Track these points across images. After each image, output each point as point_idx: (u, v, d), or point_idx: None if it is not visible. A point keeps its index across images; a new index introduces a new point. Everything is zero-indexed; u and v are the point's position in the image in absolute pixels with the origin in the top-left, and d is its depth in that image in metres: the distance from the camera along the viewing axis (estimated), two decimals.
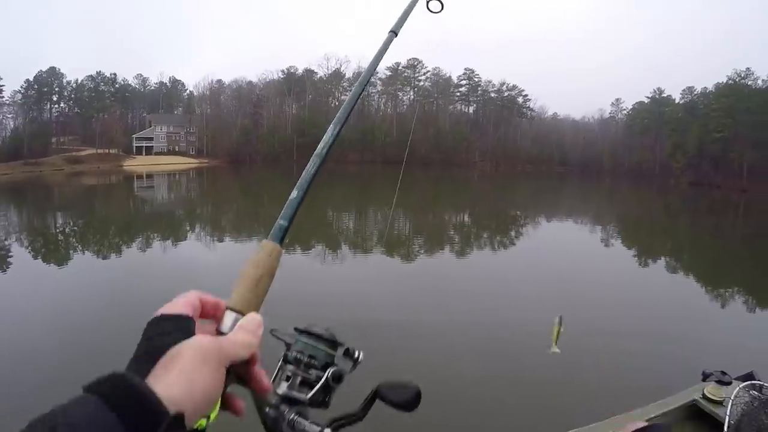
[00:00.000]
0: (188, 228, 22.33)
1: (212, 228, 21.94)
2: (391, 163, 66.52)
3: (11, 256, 15.51)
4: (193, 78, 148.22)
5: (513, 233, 20.87)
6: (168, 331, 0.46)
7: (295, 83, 73.59)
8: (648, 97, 75.93)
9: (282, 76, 74.99)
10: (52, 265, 14.75)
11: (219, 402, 0.42)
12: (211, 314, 0.49)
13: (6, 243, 17.63)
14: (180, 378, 0.40)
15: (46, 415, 0.31)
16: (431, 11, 1.13)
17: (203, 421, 0.41)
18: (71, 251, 17.07)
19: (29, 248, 17.12)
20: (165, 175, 60.93)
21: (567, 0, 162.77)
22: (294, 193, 0.64)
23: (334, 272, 13.45)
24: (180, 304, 0.46)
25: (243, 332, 0.48)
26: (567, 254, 16.30)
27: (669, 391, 3.41)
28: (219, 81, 76.72)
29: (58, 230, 21.68)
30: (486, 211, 30.07)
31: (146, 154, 70.07)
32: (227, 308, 0.52)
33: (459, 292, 10.75)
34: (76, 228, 22.12)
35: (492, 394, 6.10)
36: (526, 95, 73.86)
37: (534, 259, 15.10)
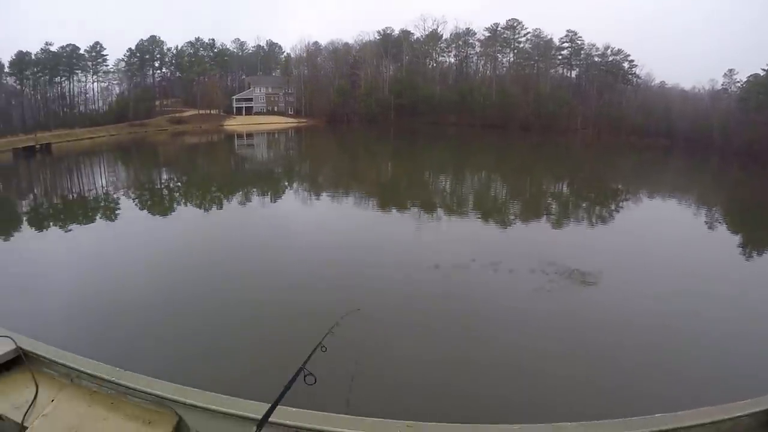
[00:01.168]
0: (286, 185, 22.89)
1: (308, 184, 22.40)
2: (490, 126, 65.43)
3: (119, 210, 16.43)
4: (290, 41, 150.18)
5: (613, 206, 20.09)
6: None
7: (391, 45, 73.16)
8: (765, 70, 69.91)
9: (378, 38, 74.74)
10: (157, 217, 15.57)
11: None
12: None
13: (115, 196, 18.72)
14: None
15: None
16: None
17: None
18: (174, 204, 17.91)
19: (136, 202, 18.04)
20: (264, 134, 62.90)
21: None
22: None
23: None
24: None
25: None
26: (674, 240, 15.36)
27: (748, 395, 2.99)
28: (315, 43, 77.69)
29: (162, 185, 22.73)
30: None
31: (246, 114, 72.47)
32: None
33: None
34: (179, 184, 23.13)
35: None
36: (632, 60, 69.58)
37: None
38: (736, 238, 17.07)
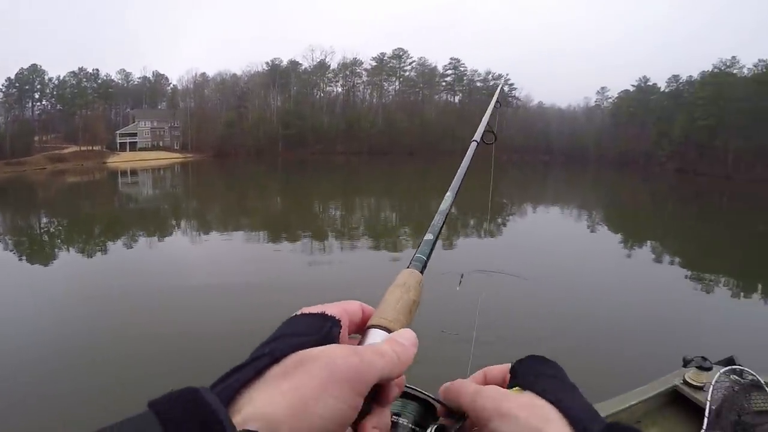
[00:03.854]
0: (173, 224, 22.01)
1: (195, 223, 21.63)
2: (377, 153, 66.44)
3: None
4: (177, 71, 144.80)
5: (500, 220, 21.09)
6: (299, 332, 0.38)
7: (279, 75, 72.99)
8: (633, 86, 76.03)
9: (266, 69, 74.32)
10: (36, 265, 14.41)
11: None
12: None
13: None
14: (290, 395, 0.32)
15: (103, 429, 0.29)
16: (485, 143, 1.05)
17: None
18: (55, 249, 16.70)
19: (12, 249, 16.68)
20: (149, 171, 60.37)
21: None
22: (429, 236, 0.59)
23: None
24: (332, 306, 0.39)
25: (396, 344, 0.39)
26: (552, 241, 16.42)
27: (649, 377, 3.37)
28: (203, 74, 75.94)
29: (41, 230, 21.24)
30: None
31: (130, 150, 69.28)
32: (371, 326, 0.43)
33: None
34: (59, 227, 21.70)
35: None
36: (512, 84, 73.68)
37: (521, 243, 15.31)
38: (617, 236, 18.96)
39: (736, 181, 60.20)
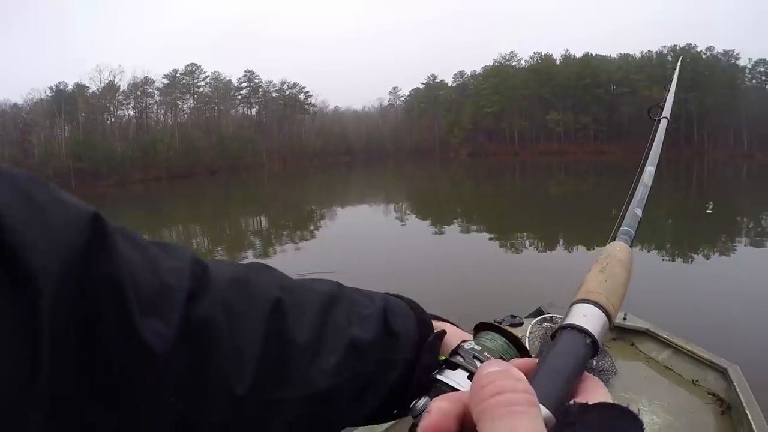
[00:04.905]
0: None
1: None
2: (178, 177, 67.90)
3: None
4: None
5: (312, 226, 21.21)
6: None
7: (66, 101, 69.95)
8: (423, 83, 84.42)
9: (51, 94, 70.78)
10: None
11: None
12: None
13: None
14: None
15: (377, 293, 0.49)
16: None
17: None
18: None
19: None
20: None
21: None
22: (637, 210, 0.57)
23: None
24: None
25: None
26: (369, 237, 16.62)
27: None
28: None
29: None
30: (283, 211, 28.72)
31: None
32: (578, 301, 0.39)
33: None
34: None
35: None
36: (308, 92, 77.51)
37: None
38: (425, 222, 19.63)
39: (524, 157, 71.92)
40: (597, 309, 0.37)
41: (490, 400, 0.25)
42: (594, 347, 0.34)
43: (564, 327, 0.36)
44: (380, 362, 0.43)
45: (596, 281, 0.40)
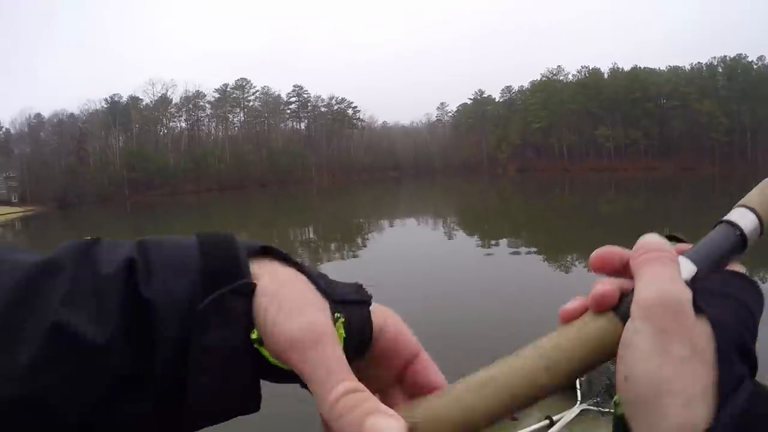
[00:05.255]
0: None
1: None
2: (229, 189, 68.49)
3: None
4: (9, 113, 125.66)
5: (359, 239, 21.14)
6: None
7: (120, 112, 71.48)
8: (471, 99, 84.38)
9: (106, 106, 72.21)
10: None
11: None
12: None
13: None
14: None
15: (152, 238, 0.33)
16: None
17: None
18: None
19: None
20: None
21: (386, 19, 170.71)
22: None
23: None
24: None
25: None
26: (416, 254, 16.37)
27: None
28: (38, 115, 72.31)
29: None
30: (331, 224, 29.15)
31: None
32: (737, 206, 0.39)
33: None
34: None
35: None
36: (356, 107, 78.25)
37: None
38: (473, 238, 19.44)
39: (573, 173, 70.82)
40: (750, 212, 0.40)
41: (644, 255, 0.32)
42: (742, 240, 0.37)
43: (718, 222, 0.39)
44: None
45: (755, 194, 0.42)
